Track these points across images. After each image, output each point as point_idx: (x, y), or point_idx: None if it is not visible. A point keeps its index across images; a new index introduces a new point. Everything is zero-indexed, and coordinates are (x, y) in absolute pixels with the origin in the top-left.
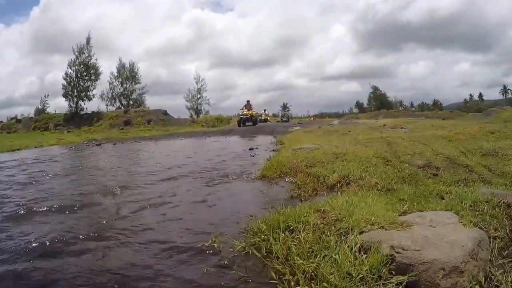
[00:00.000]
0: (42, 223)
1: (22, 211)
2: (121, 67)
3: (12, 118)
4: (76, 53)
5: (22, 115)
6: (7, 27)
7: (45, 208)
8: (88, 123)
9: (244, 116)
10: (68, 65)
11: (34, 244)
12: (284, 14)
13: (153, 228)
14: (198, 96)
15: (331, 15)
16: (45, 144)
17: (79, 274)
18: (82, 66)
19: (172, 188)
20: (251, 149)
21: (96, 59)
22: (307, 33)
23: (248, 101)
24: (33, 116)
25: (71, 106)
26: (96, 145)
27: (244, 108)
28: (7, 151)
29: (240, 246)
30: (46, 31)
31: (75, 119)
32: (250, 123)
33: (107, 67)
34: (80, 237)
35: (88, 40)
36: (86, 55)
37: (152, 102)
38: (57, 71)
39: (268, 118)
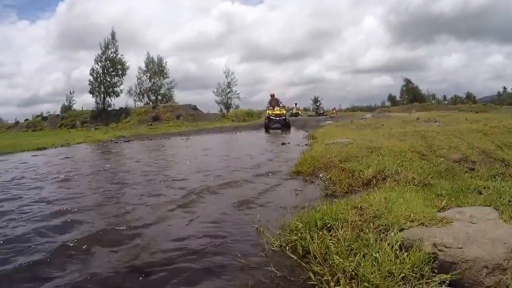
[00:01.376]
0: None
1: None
2: (149, 62)
3: (37, 116)
4: (103, 48)
5: (48, 112)
6: (32, 23)
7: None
8: (116, 119)
9: (275, 117)
10: (95, 61)
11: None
12: (315, 6)
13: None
14: (228, 91)
15: (363, 7)
16: (71, 142)
17: None
18: (108, 61)
19: (205, 184)
20: (283, 144)
21: (121, 55)
22: (338, 25)
23: (272, 96)
24: (59, 113)
25: (98, 103)
26: (125, 141)
27: (270, 105)
28: (33, 150)
29: (276, 244)
30: (72, 27)
31: (103, 115)
32: (278, 125)
33: (135, 62)
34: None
35: (113, 35)
36: (113, 50)
37: (181, 97)
38: (83, 67)
39: (299, 112)
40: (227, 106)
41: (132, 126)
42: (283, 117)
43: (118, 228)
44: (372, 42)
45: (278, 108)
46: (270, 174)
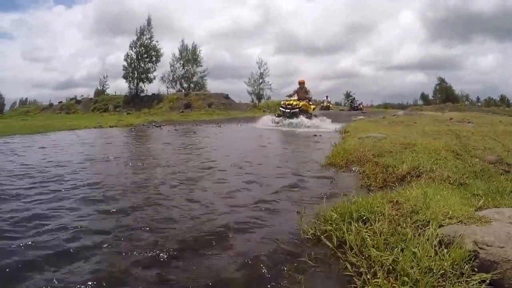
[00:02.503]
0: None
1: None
2: (183, 49)
3: (71, 99)
4: (138, 35)
5: (81, 96)
6: (68, 9)
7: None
8: (148, 105)
9: (285, 108)
10: (130, 47)
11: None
12: None
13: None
14: (260, 81)
15: (400, 1)
16: (104, 125)
17: None
18: (143, 48)
19: (241, 173)
20: (314, 135)
21: (157, 41)
22: (374, 18)
23: (301, 83)
24: (92, 97)
25: (131, 88)
26: (156, 127)
27: (294, 94)
28: (66, 130)
29: (311, 232)
30: (109, 13)
31: (135, 101)
32: (291, 119)
33: (169, 49)
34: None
35: (148, 22)
36: (148, 36)
37: (213, 85)
38: (118, 52)
39: (330, 106)
40: (259, 96)
41: (163, 112)
42: (297, 109)
43: (169, 204)
44: (407, 37)
45: (295, 99)
46: (302, 164)
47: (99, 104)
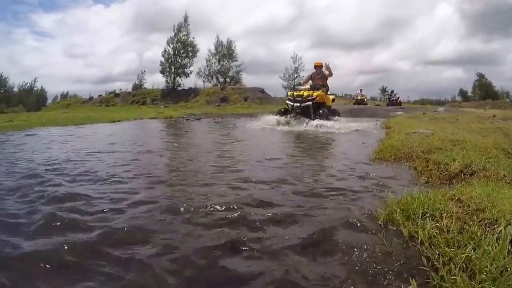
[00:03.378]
0: None
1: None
2: (218, 45)
3: (110, 93)
4: (175, 31)
5: (120, 89)
6: (106, 7)
7: None
8: (185, 99)
9: (293, 101)
10: (167, 43)
11: None
12: None
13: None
14: (295, 76)
15: None
16: (144, 117)
17: None
18: (180, 44)
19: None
20: (356, 130)
21: (193, 37)
22: (411, 12)
23: (318, 66)
24: (130, 91)
25: (168, 82)
26: (196, 119)
27: (307, 81)
28: (108, 122)
29: (382, 218)
30: (146, 11)
31: (172, 94)
32: (304, 115)
33: (205, 44)
34: None
35: (185, 19)
36: (185, 33)
37: (249, 80)
38: (155, 48)
39: (365, 100)
40: (294, 91)
41: (200, 106)
42: (309, 102)
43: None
44: (445, 32)
45: (306, 88)
46: (349, 157)
47: (137, 98)
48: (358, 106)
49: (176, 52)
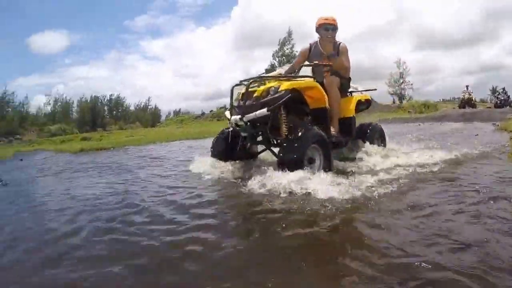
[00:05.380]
0: None
1: None
2: None
3: (221, 108)
4: (280, 45)
5: None
6: (208, 29)
7: None
8: None
9: (239, 112)
10: (272, 56)
11: None
12: None
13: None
14: (401, 81)
15: None
16: None
17: None
18: (284, 57)
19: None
20: (476, 135)
21: (297, 51)
22: None
23: (327, 24)
24: None
25: None
26: None
27: (301, 60)
28: None
29: None
30: (246, 29)
31: None
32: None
33: None
34: None
35: (290, 33)
36: (289, 46)
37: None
38: (259, 62)
39: (474, 100)
40: (401, 97)
41: None
42: (263, 110)
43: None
44: None
45: (274, 77)
46: (481, 157)
47: None
48: (471, 110)
49: (281, 65)
